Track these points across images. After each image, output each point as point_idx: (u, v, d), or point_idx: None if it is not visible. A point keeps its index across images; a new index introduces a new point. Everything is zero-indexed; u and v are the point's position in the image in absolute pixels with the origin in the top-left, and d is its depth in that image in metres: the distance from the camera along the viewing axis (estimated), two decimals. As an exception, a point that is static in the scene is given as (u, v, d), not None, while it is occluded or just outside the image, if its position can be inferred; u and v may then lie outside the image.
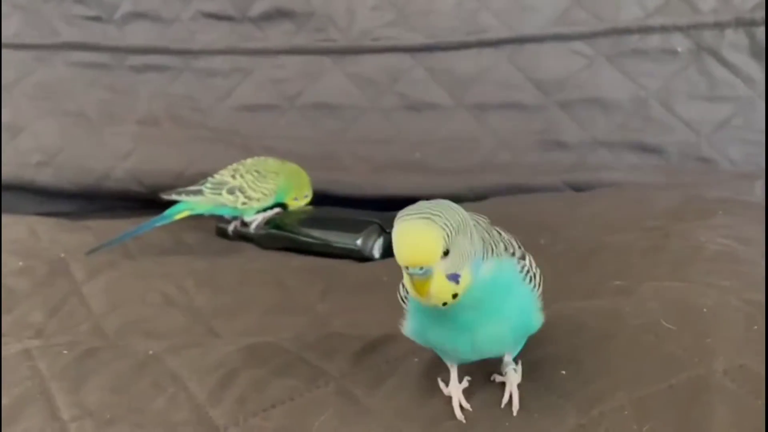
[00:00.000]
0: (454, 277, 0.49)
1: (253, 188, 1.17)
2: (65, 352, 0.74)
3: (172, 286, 0.97)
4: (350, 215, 1.16)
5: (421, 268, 0.48)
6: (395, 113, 1.41)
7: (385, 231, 1.09)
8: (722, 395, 0.55)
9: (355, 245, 1.08)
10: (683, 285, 0.72)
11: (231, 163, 1.23)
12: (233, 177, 1.18)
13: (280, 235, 1.16)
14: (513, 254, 0.56)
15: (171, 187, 1.21)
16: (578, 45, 1.34)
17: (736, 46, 1.28)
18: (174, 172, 1.41)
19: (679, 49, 1.30)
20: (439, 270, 0.49)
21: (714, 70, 1.28)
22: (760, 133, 1.25)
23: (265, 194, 1.18)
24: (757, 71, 1.27)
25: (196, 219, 1.20)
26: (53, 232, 1.19)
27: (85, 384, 0.69)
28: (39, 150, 1.50)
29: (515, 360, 0.61)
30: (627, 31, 1.32)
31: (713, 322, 0.63)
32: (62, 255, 1.07)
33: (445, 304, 0.50)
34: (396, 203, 1.28)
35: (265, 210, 1.20)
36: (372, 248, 1.08)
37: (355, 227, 1.10)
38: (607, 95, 1.32)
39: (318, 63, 1.47)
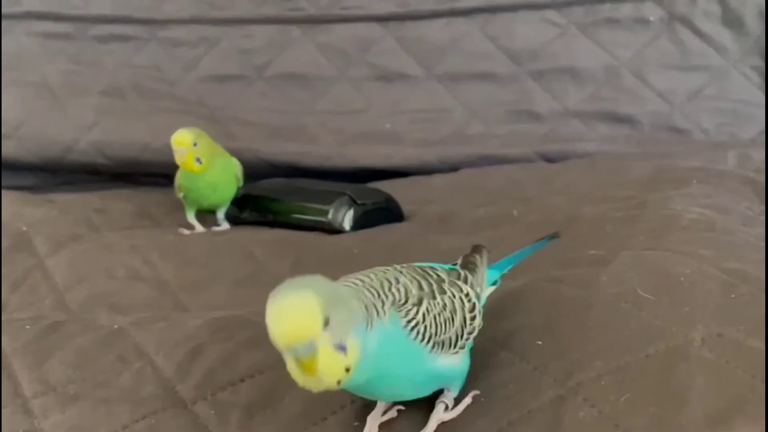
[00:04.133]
0: (341, 348, 0.45)
1: None
2: (28, 327, 0.72)
3: (138, 260, 0.94)
4: (320, 187, 1.14)
5: (304, 345, 0.44)
6: (365, 84, 1.40)
7: (356, 203, 1.07)
8: (700, 364, 0.54)
9: (326, 217, 1.07)
10: (660, 254, 0.71)
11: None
12: None
13: (249, 208, 1.14)
14: (404, 303, 0.51)
15: (136, 160, 1.18)
16: (551, 14, 1.33)
17: (708, 14, 1.27)
18: (139, 145, 1.38)
19: (652, 18, 1.30)
20: (324, 342, 0.44)
21: (686, 40, 1.28)
22: (732, 102, 1.25)
23: None
24: (729, 40, 1.27)
25: (163, 191, 1.18)
26: (15, 206, 1.15)
27: (48, 359, 0.67)
28: (1, 122, 1.46)
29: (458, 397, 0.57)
30: (599, 0, 1.31)
31: (691, 291, 0.63)
32: (24, 228, 1.04)
33: (338, 383, 0.46)
34: (367, 175, 1.30)
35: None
36: (342, 220, 1.06)
37: (326, 199, 1.09)
38: (579, 65, 1.31)
39: (286, 33, 1.45)
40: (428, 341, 0.51)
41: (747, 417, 0.50)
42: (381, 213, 1.08)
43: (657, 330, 0.58)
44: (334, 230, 1.06)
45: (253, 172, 1.27)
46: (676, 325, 0.58)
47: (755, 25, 1.26)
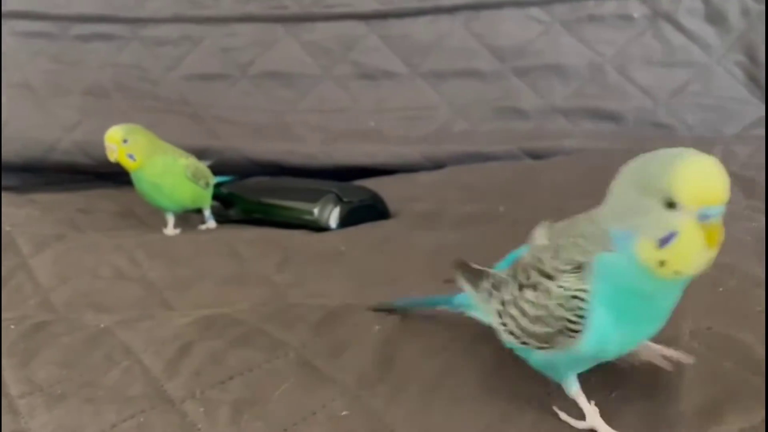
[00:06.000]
0: None
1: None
2: (12, 326, 0.71)
3: (124, 259, 0.94)
4: (306, 185, 1.14)
5: (723, 206, 0.42)
6: (350, 82, 1.40)
7: (342, 200, 1.07)
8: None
9: (312, 215, 1.06)
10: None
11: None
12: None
13: (235, 206, 1.13)
14: None
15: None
16: (535, 11, 1.33)
17: (691, 11, 1.28)
18: (123, 144, 1.37)
19: (636, 15, 1.30)
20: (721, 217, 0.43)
21: (670, 36, 1.28)
22: (716, 99, 1.25)
23: None
24: (712, 36, 1.27)
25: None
26: (-2, 206, 1.15)
27: (34, 359, 0.66)
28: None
29: None
30: (584, -4, 1.31)
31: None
32: (8, 229, 1.03)
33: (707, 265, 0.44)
34: (351, 173, 1.30)
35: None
36: (328, 218, 1.06)
37: (311, 197, 1.08)
38: (564, 62, 1.31)
39: (270, 31, 1.44)
40: None
41: (737, 409, 0.50)
42: (367, 210, 1.08)
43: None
44: (321, 228, 1.05)
45: (238, 170, 1.27)
46: (665, 319, 0.58)
47: (738, 21, 1.26)
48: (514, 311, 0.51)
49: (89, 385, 0.62)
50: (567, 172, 1.12)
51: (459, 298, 0.62)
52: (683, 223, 0.42)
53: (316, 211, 1.06)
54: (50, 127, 1.42)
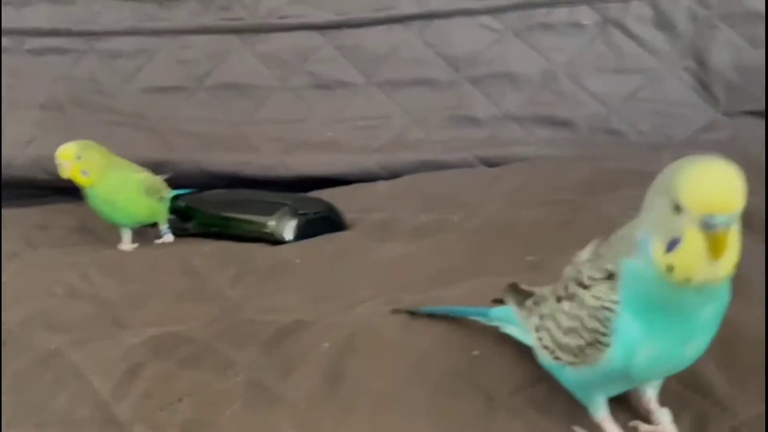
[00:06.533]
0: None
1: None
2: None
3: (77, 276, 0.93)
4: (262, 197, 1.14)
5: (731, 215, 0.39)
6: (306, 92, 1.40)
7: (298, 213, 1.07)
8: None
9: (268, 228, 1.06)
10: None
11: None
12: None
13: (190, 219, 1.13)
14: None
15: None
16: (487, 20, 1.34)
17: (640, 17, 1.29)
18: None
19: (586, 23, 1.31)
20: (736, 226, 0.40)
21: (620, 43, 1.30)
22: (666, 104, 1.27)
23: None
24: (662, 42, 1.29)
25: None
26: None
27: (-16, 383, 0.66)
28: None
29: None
30: (534, 4, 1.33)
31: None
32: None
33: (726, 278, 0.41)
34: (308, 184, 1.30)
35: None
36: (284, 230, 1.06)
37: (267, 210, 1.08)
38: (516, 70, 1.32)
39: (225, 42, 1.44)
40: None
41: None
42: (323, 222, 1.08)
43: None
44: (276, 241, 1.05)
45: (195, 183, 1.27)
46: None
47: (686, 27, 1.28)
48: (550, 324, 0.50)
49: (38, 409, 0.62)
50: (521, 180, 1.13)
51: (497, 312, 0.60)
52: (687, 229, 0.39)
53: (271, 224, 1.06)
54: (6, 143, 1.41)
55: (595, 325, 0.46)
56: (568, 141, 1.27)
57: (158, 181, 1.10)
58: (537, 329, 0.52)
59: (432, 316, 0.66)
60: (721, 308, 0.44)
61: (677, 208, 0.40)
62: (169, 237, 1.11)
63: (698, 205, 0.39)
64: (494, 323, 0.60)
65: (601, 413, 0.50)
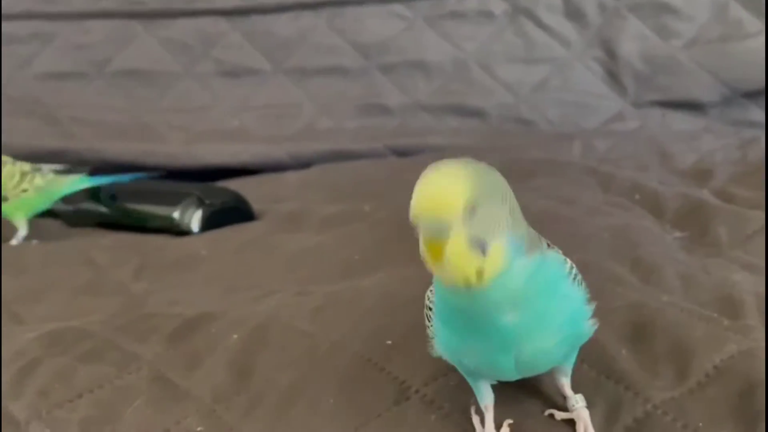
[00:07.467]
0: (481, 245, 0.40)
1: None
2: None
3: (-31, 271, 0.89)
4: (166, 187, 1.11)
5: (437, 224, 0.39)
6: (211, 79, 1.38)
7: (204, 203, 1.04)
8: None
9: (172, 219, 1.03)
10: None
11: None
12: None
13: (91, 211, 1.09)
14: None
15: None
16: (398, 7, 1.33)
17: (551, 7, 1.30)
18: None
19: (496, 12, 1.32)
20: (460, 231, 0.39)
21: (530, 32, 1.30)
22: (576, 94, 1.28)
23: None
24: (572, 32, 1.30)
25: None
26: None
27: None
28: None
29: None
30: (444, -8, 1.32)
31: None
32: None
33: (468, 286, 0.41)
34: (214, 173, 1.27)
35: None
36: (190, 221, 1.03)
37: (172, 199, 1.05)
38: (427, 58, 1.32)
39: (127, 27, 1.40)
40: (587, 293, 0.47)
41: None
42: (230, 213, 1.05)
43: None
44: (182, 232, 1.02)
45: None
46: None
47: (595, 17, 1.29)
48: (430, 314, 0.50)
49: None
50: (432, 169, 1.12)
51: None
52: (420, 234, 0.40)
53: (176, 214, 1.03)
54: None
55: (426, 321, 0.49)
56: (479, 130, 1.27)
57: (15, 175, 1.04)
58: (428, 319, 0.51)
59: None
60: (502, 309, 0.43)
61: None
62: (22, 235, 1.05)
63: (413, 212, 0.40)
64: None
65: (484, 401, 0.50)
